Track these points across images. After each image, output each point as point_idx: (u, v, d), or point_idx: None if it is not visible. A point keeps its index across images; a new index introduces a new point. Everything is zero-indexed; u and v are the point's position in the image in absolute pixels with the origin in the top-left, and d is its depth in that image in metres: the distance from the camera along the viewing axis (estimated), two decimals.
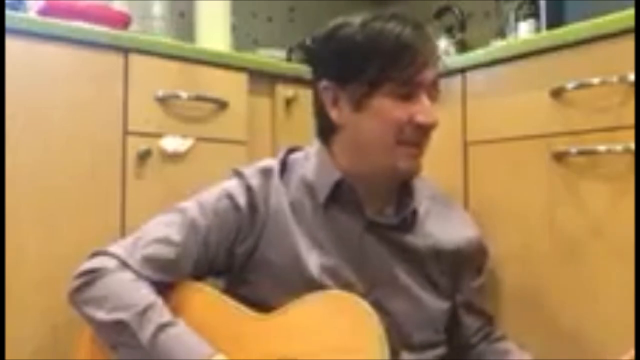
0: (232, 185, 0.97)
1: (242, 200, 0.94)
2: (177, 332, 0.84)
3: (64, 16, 1.19)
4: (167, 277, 0.92)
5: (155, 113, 1.24)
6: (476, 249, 1.04)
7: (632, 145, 0.97)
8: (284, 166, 1.00)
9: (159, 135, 1.24)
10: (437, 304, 0.99)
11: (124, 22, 1.36)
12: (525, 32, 1.51)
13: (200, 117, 1.30)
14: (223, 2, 1.62)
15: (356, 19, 0.94)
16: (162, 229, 0.93)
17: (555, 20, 1.31)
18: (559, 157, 1.09)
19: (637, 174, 0.97)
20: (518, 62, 1.17)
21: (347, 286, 0.90)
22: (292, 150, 1.04)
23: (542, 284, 1.12)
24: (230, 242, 0.94)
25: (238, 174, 0.98)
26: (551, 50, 1.11)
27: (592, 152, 1.04)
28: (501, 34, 1.66)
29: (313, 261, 0.92)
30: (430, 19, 1.87)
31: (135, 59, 1.22)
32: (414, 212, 0.98)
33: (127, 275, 0.89)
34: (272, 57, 1.72)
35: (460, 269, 1.02)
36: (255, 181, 0.96)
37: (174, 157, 1.26)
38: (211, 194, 0.96)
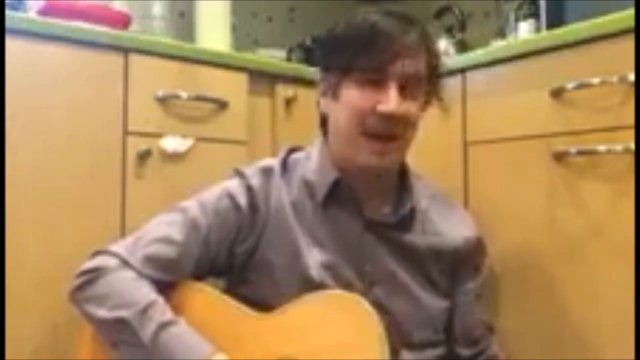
0: (233, 185, 0.97)
1: (243, 200, 0.94)
2: (179, 331, 0.84)
3: (64, 16, 1.19)
4: (167, 276, 0.92)
5: (155, 113, 1.24)
6: (475, 248, 1.04)
7: (632, 145, 0.97)
8: (284, 166, 1.00)
9: (159, 135, 1.24)
10: (437, 303, 0.99)
11: (124, 22, 1.36)
12: (525, 32, 1.51)
13: (200, 117, 1.30)
14: (223, 2, 1.62)
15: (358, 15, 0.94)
16: (163, 229, 0.93)
17: (555, 20, 1.31)
18: (559, 157, 1.09)
19: (637, 174, 0.97)
20: (518, 62, 1.17)
21: (347, 285, 0.90)
22: (293, 150, 1.04)
23: (542, 283, 1.12)
24: (230, 242, 0.94)
25: (239, 174, 0.98)
26: (551, 50, 1.12)
27: (592, 152, 1.04)
28: (501, 34, 1.66)
29: (313, 260, 0.92)
30: (430, 19, 1.87)
31: (135, 59, 1.22)
32: (413, 211, 0.98)
33: (129, 274, 0.89)
34: (272, 57, 1.72)
35: (459, 269, 1.02)
36: (256, 181, 0.96)
37: (174, 157, 1.26)
38: (212, 194, 0.96)
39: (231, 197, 0.95)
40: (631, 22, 0.98)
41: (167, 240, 0.92)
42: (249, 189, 0.95)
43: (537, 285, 1.13)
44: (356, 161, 0.92)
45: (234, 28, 1.70)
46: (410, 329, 0.94)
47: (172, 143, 1.25)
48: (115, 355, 0.88)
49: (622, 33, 1.01)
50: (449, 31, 1.84)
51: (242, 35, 1.96)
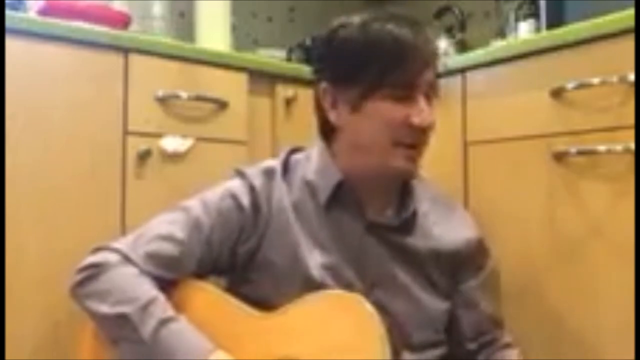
0: (236, 185, 0.97)
1: (245, 200, 0.94)
2: (179, 328, 0.84)
3: (64, 16, 1.19)
4: (168, 274, 0.92)
5: (155, 113, 1.24)
6: (476, 249, 1.04)
7: (632, 145, 0.97)
8: (286, 167, 1.00)
9: (159, 135, 1.24)
10: (437, 305, 0.99)
11: (124, 22, 1.36)
12: (525, 32, 1.51)
13: (200, 117, 1.30)
14: (223, 2, 1.62)
15: (355, 20, 0.94)
16: (165, 227, 0.93)
17: (555, 20, 1.31)
18: (559, 157, 1.09)
19: (637, 174, 0.97)
20: (518, 62, 1.18)
21: (347, 286, 0.90)
22: (293, 151, 1.04)
23: (542, 283, 1.12)
24: (233, 242, 0.94)
25: (241, 174, 0.98)
26: (551, 50, 1.12)
27: (592, 152, 1.04)
28: (501, 34, 1.66)
29: (314, 261, 0.92)
30: (430, 19, 1.87)
31: (135, 59, 1.22)
32: (414, 214, 0.98)
33: (130, 270, 0.89)
34: (272, 57, 1.72)
35: (460, 270, 1.02)
36: (258, 181, 0.96)
37: (174, 157, 1.26)
38: (214, 193, 0.96)
39: (234, 197, 0.95)
40: (631, 22, 0.99)
41: (169, 238, 0.92)
42: (252, 189, 0.95)
43: (537, 285, 1.13)
44: (393, 167, 0.93)
45: (234, 28, 1.70)
46: (411, 330, 0.94)
47: (172, 143, 1.25)
48: (116, 353, 0.88)
49: (622, 33, 1.01)
50: (449, 31, 1.84)
51: (242, 35, 1.96)
